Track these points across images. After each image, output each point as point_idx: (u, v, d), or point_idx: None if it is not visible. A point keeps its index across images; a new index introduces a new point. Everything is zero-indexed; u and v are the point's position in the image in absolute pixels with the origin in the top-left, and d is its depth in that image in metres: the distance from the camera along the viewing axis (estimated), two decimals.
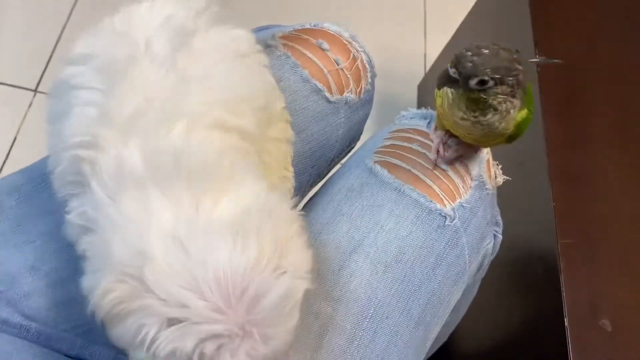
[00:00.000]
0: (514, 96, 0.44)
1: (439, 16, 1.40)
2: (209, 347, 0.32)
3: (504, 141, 0.48)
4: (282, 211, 0.38)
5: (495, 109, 0.44)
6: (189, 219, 0.35)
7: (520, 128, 0.46)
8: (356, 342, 0.46)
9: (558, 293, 0.61)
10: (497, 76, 0.42)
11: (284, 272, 0.35)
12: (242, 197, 0.36)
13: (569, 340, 0.59)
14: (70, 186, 0.40)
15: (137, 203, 0.35)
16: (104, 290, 0.33)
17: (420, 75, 1.29)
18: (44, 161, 0.51)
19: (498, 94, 0.43)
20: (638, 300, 0.62)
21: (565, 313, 0.61)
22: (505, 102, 0.43)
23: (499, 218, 0.57)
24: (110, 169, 0.37)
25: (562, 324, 0.60)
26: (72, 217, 0.39)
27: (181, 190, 0.35)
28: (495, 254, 0.58)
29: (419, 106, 1.22)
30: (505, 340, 0.73)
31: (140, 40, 0.41)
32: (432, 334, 0.52)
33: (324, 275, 0.48)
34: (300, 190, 0.58)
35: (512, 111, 0.44)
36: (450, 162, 0.52)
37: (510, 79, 0.42)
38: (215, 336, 0.33)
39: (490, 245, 0.55)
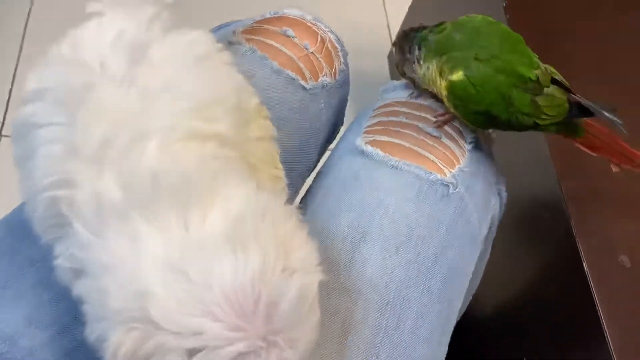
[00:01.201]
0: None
1: None
2: None
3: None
4: (277, 208, 0.35)
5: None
6: (181, 240, 0.32)
7: (458, 89, 0.45)
8: (382, 332, 0.44)
9: (572, 239, 0.60)
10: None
11: (294, 271, 0.33)
12: (231, 204, 0.34)
13: (591, 284, 0.58)
14: (52, 230, 0.38)
15: (123, 237, 0.33)
16: (115, 344, 0.31)
17: (387, 46, 1.27)
18: (20, 209, 0.48)
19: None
20: None
21: (583, 258, 0.59)
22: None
23: (501, 175, 0.55)
24: (89, 205, 0.34)
25: (582, 269, 0.59)
26: (61, 262, 0.37)
27: (166, 212, 0.33)
28: (502, 213, 0.56)
29: (392, 77, 1.22)
30: (525, 297, 0.72)
31: (94, 63, 0.38)
32: (456, 307, 0.50)
33: (336, 269, 0.46)
34: (293, 187, 0.55)
35: (423, 69, 0.48)
36: (446, 123, 0.50)
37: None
38: (240, 355, 0.31)
39: (496, 205, 0.54)
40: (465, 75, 0.46)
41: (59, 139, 0.37)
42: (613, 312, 0.56)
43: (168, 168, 0.35)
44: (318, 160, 0.61)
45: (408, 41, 0.50)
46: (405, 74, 0.52)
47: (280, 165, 0.51)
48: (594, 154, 0.52)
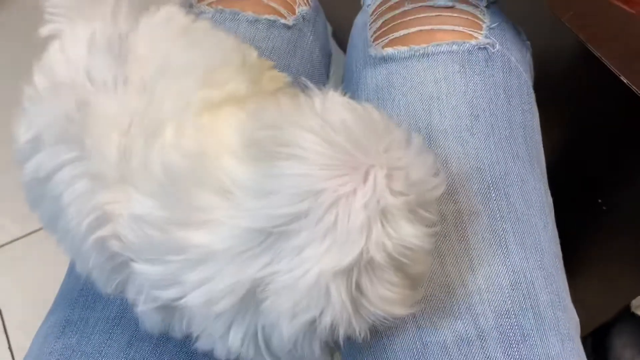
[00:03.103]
0: None
1: None
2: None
3: None
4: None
5: None
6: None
7: None
8: (498, 218, 0.41)
9: (592, 58, 0.57)
10: None
11: None
12: None
13: (632, 86, 0.55)
14: (115, 275, 0.33)
15: (182, 258, 0.29)
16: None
17: None
18: (68, 282, 0.43)
19: None
20: None
21: (618, 73, 0.57)
22: None
23: (517, 25, 0.52)
24: (134, 233, 0.31)
25: (616, 79, 0.56)
26: (144, 309, 0.32)
27: (205, 199, 0.30)
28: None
29: (328, 18, 1.17)
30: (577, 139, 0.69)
31: (79, 78, 0.34)
32: (544, 165, 0.47)
33: None
34: None
35: None
36: None
37: None
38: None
39: (528, 55, 0.50)
40: None
41: (78, 175, 0.33)
42: None
43: (193, 153, 0.31)
44: None
45: None
46: None
47: None
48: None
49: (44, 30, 0.38)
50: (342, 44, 1.18)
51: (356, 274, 0.28)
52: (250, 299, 0.29)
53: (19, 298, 0.93)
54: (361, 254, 0.28)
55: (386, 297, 0.29)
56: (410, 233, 0.29)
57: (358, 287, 0.28)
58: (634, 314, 0.83)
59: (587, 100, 0.65)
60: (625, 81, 0.57)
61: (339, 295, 0.28)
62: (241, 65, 0.38)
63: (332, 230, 0.28)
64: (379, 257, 0.28)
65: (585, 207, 0.67)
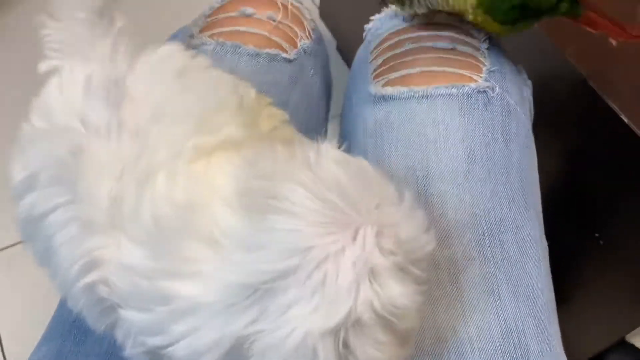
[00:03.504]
0: None
1: None
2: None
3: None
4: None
5: None
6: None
7: None
8: (492, 264, 0.41)
9: (593, 93, 0.57)
10: None
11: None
12: None
13: (632, 125, 0.55)
14: (104, 317, 0.34)
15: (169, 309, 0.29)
16: None
17: (312, 6, 1.22)
18: (61, 312, 0.43)
19: None
20: None
21: (617, 109, 0.57)
22: None
23: (518, 63, 0.52)
24: (123, 281, 0.31)
25: (615, 116, 0.56)
26: (132, 352, 0.33)
27: (194, 250, 0.30)
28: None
29: (332, 33, 1.17)
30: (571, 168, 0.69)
31: (73, 123, 0.34)
32: (540, 208, 0.47)
33: None
34: None
35: None
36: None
37: None
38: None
39: (528, 93, 0.50)
40: None
41: (70, 218, 0.33)
42: None
43: (181, 204, 0.31)
44: (326, 131, 0.56)
45: None
46: None
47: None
48: (595, 31, 0.50)
49: (43, 66, 0.38)
50: (346, 56, 1.19)
51: (344, 333, 0.28)
52: (236, 354, 0.29)
53: (14, 305, 0.93)
54: (349, 313, 0.28)
55: (374, 357, 0.29)
56: (399, 292, 0.29)
57: (346, 346, 0.28)
58: (628, 343, 0.83)
59: (585, 134, 0.65)
60: (625, 120, 0.58)
61: (326, 355, 0.28)
62: (237, 108, 0.38)
63: (320, 288, 0.28)
64: (367, 316, 0.28)
65: (582, 241, 0.67)
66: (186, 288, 0.29)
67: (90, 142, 0.33)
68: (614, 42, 0.52)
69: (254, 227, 0.29)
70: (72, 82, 0.36)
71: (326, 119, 0.56)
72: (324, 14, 1.17)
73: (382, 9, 0.51)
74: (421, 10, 0.46)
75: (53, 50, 0.38)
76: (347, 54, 1.18)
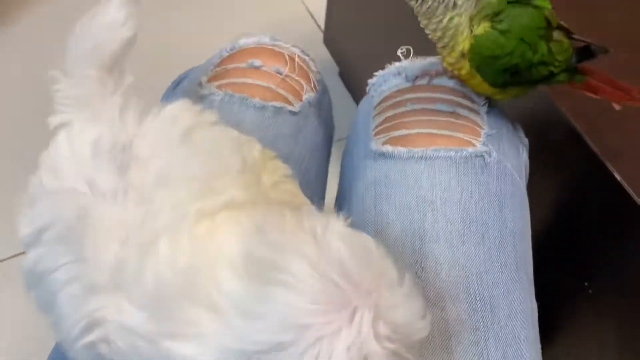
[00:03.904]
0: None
1: None
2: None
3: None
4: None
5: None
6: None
7: (480, 47, 0.42)
8: (482, 327, 0.42)
9: (589, 152, 0.59)
10: None
11: None
12: None
13: (625, 185, 0.57)
14: None
15: None
16: None
17: (317, 31, 1.24)
18: (56, 356, 0.44)
19: None
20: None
21: (610, 167, 0.59)
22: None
23: (516, 122, 0.53)
24: (123, 341, 0.33)
25: (610, 177, 0.58)
26: None
27: (194, 314, 0.31)
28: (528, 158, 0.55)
29: (335, 59, 1.19)
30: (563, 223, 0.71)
31: (81, 186, 0.36)
32: (531, 269, 0.48)
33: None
34: (319, 209, 0.52)
35: (449, 19, 0.42)
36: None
37: None
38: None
39: (524, 153, 0.52)
40: (493, 26, 0.42)
41: (73, 278, 0.35)
42: None
43: (183, 270, 0.33)
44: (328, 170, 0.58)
45: None
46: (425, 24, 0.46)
47: (305, 199, 0.47)
48: (597, 97, 0.50)
49: (54, 120, 0.40)
50: (348, 83, 1.20)
51: None
52: None
53: (7, 321, 0.94)
54: None
55: None
56: None
57: None
58: None
59: (577, 185, 0.66)
60: (617, 178, 0.59)
61: None
62: (240, 169, 0.39)
63: None
64: None
65: (571, 290, 0.68)
66: (185, 349, 0.30)
67: (96, 205, 0.35)
68: (617, 107, 0.52)
69: (255, 295, 0.30)
70: (81, 142, 0.37)
71: (327, 164, 0.57)
72: (328, 40, 1.19)
73: (385, 66, 0.52)
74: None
75: (63, 105, 0.40)
76: (349, 80, 1.20)
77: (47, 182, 0.37)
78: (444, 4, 0.41)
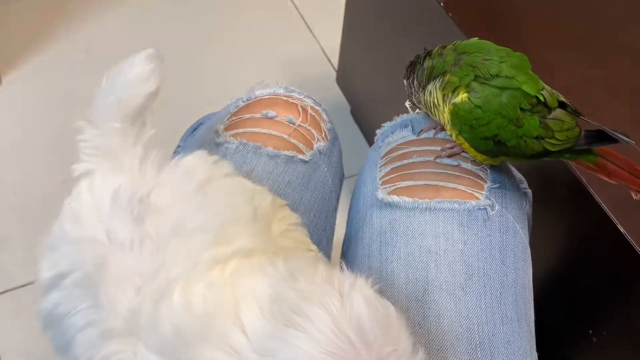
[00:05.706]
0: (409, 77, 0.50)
1: (312, 6, 1.38)
2: None
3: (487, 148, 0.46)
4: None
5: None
6: None
7: (458, 115, 0.45)
8: None
9: (594, 203, 0.60)
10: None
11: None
12: None
13: (629, 238, 0.58)
14: None
15: None
16: None
17: (331, 70, 1.27)
18: None
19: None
20: None
21: (614, 220, 0.60)
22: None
23: (518, 174, 0.55)
24: None
25: (615, 229, 0.59)
26: None
27: (212, 356, 0.33)
28: (532, 208, 0.56)
29: (347, 98, 1.22)
30: (572, 277, 0.72)
31: (100, 235, 0.38)
32: (532, 320, 0.49)
33: (412, 331, 0.44)
34: (326, 255, 0.54)
35: (426, 95, 0.48)
36: (452, 155, 0.50)
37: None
38: None
39: (527, 205, 0.53)
40: (469, 97, 0.44)
41: (90, 323, 0.37)
42: None
43: (197, 314, 0.34)
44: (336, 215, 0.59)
45: (412, 71, 0.49)
46: (415, 103, 0.52)
47: (312, 246, 0.49)
48: (611, 181, 0.48)
49: (76, 170, 0.42)
50: (358, 120, 1.22)
51: None
52: None
53: (20, 344, 0.95)
54: None
55: None
56: None
57: None
58: None
59: (582, 235, 0.67)
60: (621, 230, 0.60)
61: None
62: (252, 218, 0.41)
63: None
64: None
65: (576, 338, 0.69)
66: None
67: (114, 254, 0.37)
68: (635, 196, 0.48)
69: (273, 333, 0.32)
70: (102, 191, 0.40)
71: (336, 211, 0.59)
72: (341, 79, 1.22)
73: (393, 118, 0.54)
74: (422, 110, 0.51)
75: (87, 154, 0.42)
76: (359, 118, 1.22)
77: (68, 229, 0.39)
78: (420, 88, 0.48)
